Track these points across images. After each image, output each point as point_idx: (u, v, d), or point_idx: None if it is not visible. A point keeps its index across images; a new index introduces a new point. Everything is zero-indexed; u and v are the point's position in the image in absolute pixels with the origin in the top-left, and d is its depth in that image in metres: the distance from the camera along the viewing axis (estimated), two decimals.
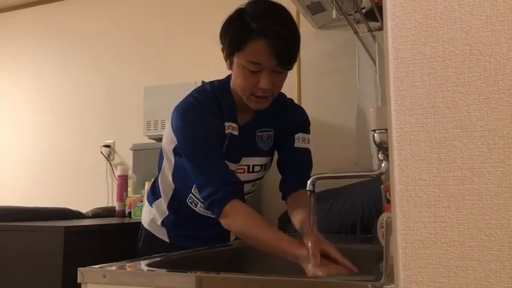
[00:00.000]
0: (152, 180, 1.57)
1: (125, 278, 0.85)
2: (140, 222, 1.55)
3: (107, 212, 2.29)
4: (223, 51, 1.26)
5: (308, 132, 1.40)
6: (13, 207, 1.90)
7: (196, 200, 1.35)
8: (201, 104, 1.27)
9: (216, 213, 1.17)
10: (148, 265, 0.93)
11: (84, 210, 2.23)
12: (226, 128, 1.28)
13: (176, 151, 1.34)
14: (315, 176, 1.00)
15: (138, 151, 2.46)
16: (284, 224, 1.78)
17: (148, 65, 2.92)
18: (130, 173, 2.34)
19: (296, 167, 1.35)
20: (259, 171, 1.38)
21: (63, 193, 3.01)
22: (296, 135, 1.36)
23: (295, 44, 1.19)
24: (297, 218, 1.26)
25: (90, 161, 3.01)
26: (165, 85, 2.52)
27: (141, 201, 2.10)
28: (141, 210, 2.08)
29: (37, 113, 3.27)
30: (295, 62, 1.21)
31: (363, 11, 1.85)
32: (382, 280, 0.69)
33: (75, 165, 3.07)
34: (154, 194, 1.49)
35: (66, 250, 1.45)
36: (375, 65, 2.20)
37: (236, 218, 1.17)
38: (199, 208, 1.37)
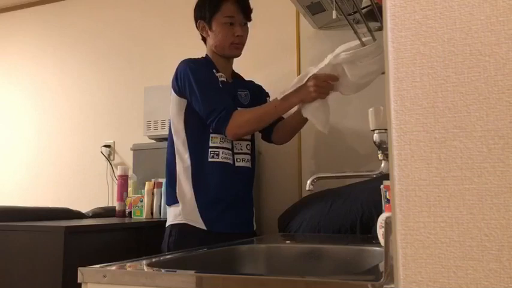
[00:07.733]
0: (161, 181, 1.79)
1: (125, 278, 0.85)
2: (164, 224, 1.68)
3: (107, 212, 2.29)
4: (199, 25, 1.71)
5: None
6: (13, 207, 1.90)
7: (216, 149, 1.60)
8: (196, 59, 1.69)
9: (224, 126, 1.51)
10: (148, 265, 0.93)
11: (84, 210, 2.23)
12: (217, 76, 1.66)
13: (187, 114, 1.63)
14: (315, 176, 1.01)
15: (138, 151, 2.46)
16: (284, 224, 1.78)
17: (148, 65, 2.91)
18: (130, 173, 2.34)
19: None
20: None
21: (63, 193, 3.01)
22: (267, 98, 1.83)
23: (249, 3, 1.72)
24: (284, 121, 1.74)
25: (90, 161, 3.01)
26: (165, 85, 2.50)
27: (141, 201, 2.09)
28: (141, 210, 2.08)
29: (37, 113, 3.27)
30: (251, 14, 1.73)
31: (363, 11, 1.85)
32: (382, 280, 0.69)
33: (75, 165, 3.07)
34: (173, 192, 1.63)
35: (66, 250, 1.45)
36: None
37: (242, 114, 1.55)
38: (222, 156, 1.60)
